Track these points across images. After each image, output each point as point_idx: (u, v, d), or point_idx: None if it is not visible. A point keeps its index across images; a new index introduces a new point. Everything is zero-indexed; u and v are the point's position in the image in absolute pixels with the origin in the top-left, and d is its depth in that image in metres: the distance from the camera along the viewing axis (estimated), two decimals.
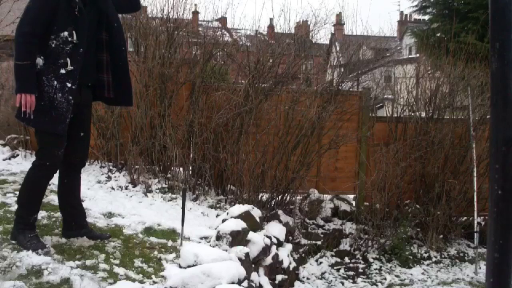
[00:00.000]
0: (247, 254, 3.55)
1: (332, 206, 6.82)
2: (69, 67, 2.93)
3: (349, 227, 6.57)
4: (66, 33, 2.92)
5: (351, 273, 5.98)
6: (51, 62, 2.91)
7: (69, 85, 2.93)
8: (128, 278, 2.87)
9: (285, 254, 4.82)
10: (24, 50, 2.88)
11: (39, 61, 2.91)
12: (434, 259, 6.40)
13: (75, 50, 2.96)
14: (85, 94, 3.18)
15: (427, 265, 6.28)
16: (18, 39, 2.90)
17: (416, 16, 21.08)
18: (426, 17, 11.49)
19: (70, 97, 2.93)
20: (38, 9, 2.90)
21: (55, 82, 2.90)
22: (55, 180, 5.23)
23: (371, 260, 6.27)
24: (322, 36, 14.28)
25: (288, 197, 6.22)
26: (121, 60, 3.25)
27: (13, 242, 3.08)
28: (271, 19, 12.00)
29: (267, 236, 4.36)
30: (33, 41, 2.87)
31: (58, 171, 3.29)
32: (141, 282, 2.85)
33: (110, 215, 4.15)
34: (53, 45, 2.92)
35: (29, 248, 2.94)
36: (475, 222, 6.22)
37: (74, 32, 2.94)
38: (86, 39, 3.04)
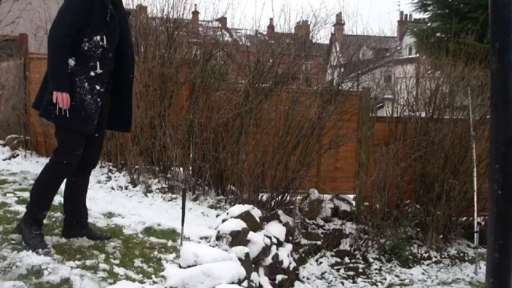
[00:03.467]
0: (247, 254, 3.54)
1: (332, 206, 6.82)
2: (98, 70, 3.01)
3: (349, 227, 6.57)
4: (98, 37, 3.00)
5: (351, 273, 5.98)
6: (82, 64, 2.98)
7: (97, 87, 3.01)
8: (128, 278, 2.87)
9: (285, 254, 4.82)
10: (58, 51, 2.93)
11: (71, 62, 2.97)
12: (434, 259, 6.41)
13: (104, 54, 3.04)
14: (106, 96, 3.21)
15: (427, 265, 6.28)
16: (53, 40, 2.94)
17: (416, 15, 21.09)
18: (426, 16, 11.49)
19: (99, 99, 3.01)
20: (74, 12, 2.94)
21: (86, 84, 2.97)
22: None
23: (371, 260, 6.27)
24: (322, 36, 14.31)
25: (288, 197, 6.22)
26: (126, 86, 3.29)
27: (15, 236, 3.09)
28: (271, 19, 12.00)
29: (267, 236, 4.36)
30: (67, 41, 2.92)
31: None
32: (141, 282, 2.85)
33: (110, 215, 4.15)
34: (85, 48, 3.00)
35: (30, 246, 2.94)
36: (475, 222, 6.22)
37: (104, 36, 3.02)
38: (114, 45, 3.14)
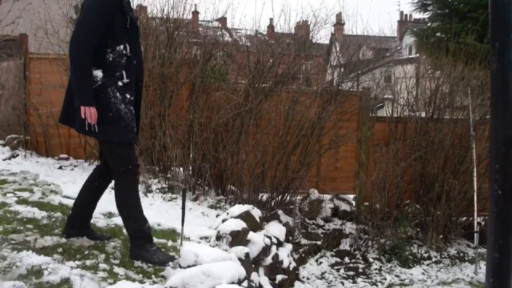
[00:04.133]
0: (247, 254, 3.54)
1: (332, 206, 6.83)
2: (125, 80, 2.98)
3: (349, 227, 6.58)
4: (121, 46, 2.96)
5: (351, 273, 5.98)
6: (110, 75, 2.93)
7: (128, 96, 2.98)
8: (128, 278, 2.87)
9: (285, 254, 4.82)
10: (82, 63, 2.85)
11: (99, 73, 2.90)
12: (434, 259, 6.41)
13: (129, 63, 3.00)
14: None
15: (427, 265, 6.28)
16: (75, 51, 2.86)
17: (416, 15, 21.08)
18: (426, 16, 11.50)
19: (132, 108, 2.98)
20: (95, 22, 2.87)
21: (118, 94, 2.93)
22: (55, 179, 5.25)
23: (371, 260, 6.27)
24: (322, 36, 14.30)
25: (288, 197, 6.22)
26: (136, 95, 3.20)
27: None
28: (271, 19, 12.01)
29: (267, 236, 4.36)
30: (90, 52, 2.85)
31: (93, 170, 3.30)
32: (141, 282, 2.85)
33: (110, 215, 4.14)
34: (110, 59, 2.95)
35: (157, 263, 2.95)
36: (475, 222, 6.22)
37: (127, 44, 2.98)
38: (137, 52, 3.11)
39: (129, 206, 3.05)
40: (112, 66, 2.94)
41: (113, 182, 3.17)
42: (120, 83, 2.95)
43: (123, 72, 2.97)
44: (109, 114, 2.88)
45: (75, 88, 2.88)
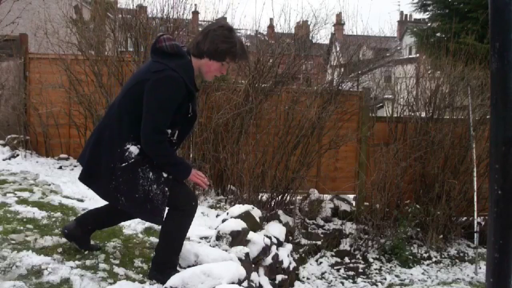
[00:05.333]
0: (247, 254, 3.54)
1: (332, 206, 6.83)
2: None
3: (349, 227, 6.57)
4: (170, 131, 2.74)
5: (351, 273, 5.98)
6: (145, 155, 2.71)
7: (165, 175, 2.74)
8: (128, 278, 2.87)
9: (285, 254, 4.81)
10: (166, 155, 2.72)
11: (134, 150, 2.69)
12: (434, 259, 6.41)
13: (171, 146, 2.80)
14: None
15: (427, 265, 6.28)
16: (155, 150, 2.67)
17: (416, 15, 21.09)
18: (426, 16, 11.50)
19: (166, 189, 2.72)
20: (163, 121, 2.65)
21: (150, 174, 2.71)
22: (55, 179, 5.24)
23: (371, 260, 6.27)
24: (322, 36, 14.32)
25: (288, 197, 6.22)
26: None
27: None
28: (271, 19, 12.03)
29: (267, 236, 4.36)
30: (165, 144, 2.69)
31: None
32: (141, 282, 2.85)
33: None
34: None
35: None
36: (475, 222, 6.22)
37: (177, 131, 2.80)
38: (183, 140, 2.98)
39: (175, 238, 2.91)
40: None
41: None
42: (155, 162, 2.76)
43: None
44: (135, 196, 2.69)
45: (173, 171, 2.75)
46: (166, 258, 2.91)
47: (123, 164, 2.68)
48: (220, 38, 2.70)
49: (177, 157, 2.85)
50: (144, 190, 2.70)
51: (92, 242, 3.18)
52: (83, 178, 2.83)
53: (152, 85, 2.61)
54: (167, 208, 2.80)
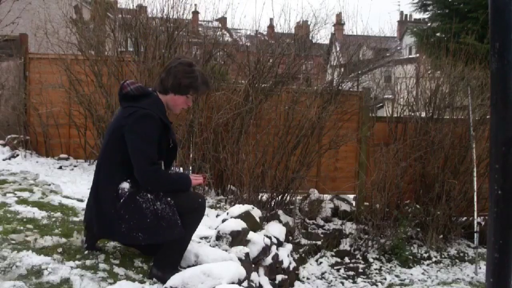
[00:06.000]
0: (247, 254, 3.54)
1: (332, 206, 6.83)
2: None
3: (349, 227, 6.57)
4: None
5: (351, 273, 5.98)
6: (137, 186, 2.82)
7: (161, 193, 2.84)
8: (128, 278, 2.87)
9: (285, 254, 4.81)
10: (165, 183, 2.84)
11: (126, 185, 2.81)
12: (434, 259, 6.41)
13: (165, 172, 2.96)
14: None
15: (427, 265, 6.28)
16: (155, 180, 2.80)
17: (416, 15, 21.09)
18: (426, 16, 11.51)
19: (169, 199, 2.79)
20: (149, 152, 2.78)
21: (148, 195, 2.80)
22: (55, 179, 5.24)
23: (371, 260, 6.27)
24: (322, 36, 14.31)
25: (288, 197, 6.22)
26: None
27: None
28: (271, 19, 12.03)
29: (267, 236, 4.36)
30: (160, 171, 2.84)
31: None
32: (141, 282, 2.85)
33: None
34: None
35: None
36: (475, 222, 6.22)
37: (162, 163, 2.91)
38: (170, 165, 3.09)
39: (183, 238, 2.93)
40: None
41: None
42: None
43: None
44: (147, 221, 2.77)
45: (176, 188, 2.85)
46: (170, 257, 2.95)
47: (122, 200, 2.80)
48: (181, 74, 2.88)
49: (173, 175, 2.98)
50: (151, 211, 2.78)
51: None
52: (101, 234, 2.98)
53: (130, 126, 2.77)
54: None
